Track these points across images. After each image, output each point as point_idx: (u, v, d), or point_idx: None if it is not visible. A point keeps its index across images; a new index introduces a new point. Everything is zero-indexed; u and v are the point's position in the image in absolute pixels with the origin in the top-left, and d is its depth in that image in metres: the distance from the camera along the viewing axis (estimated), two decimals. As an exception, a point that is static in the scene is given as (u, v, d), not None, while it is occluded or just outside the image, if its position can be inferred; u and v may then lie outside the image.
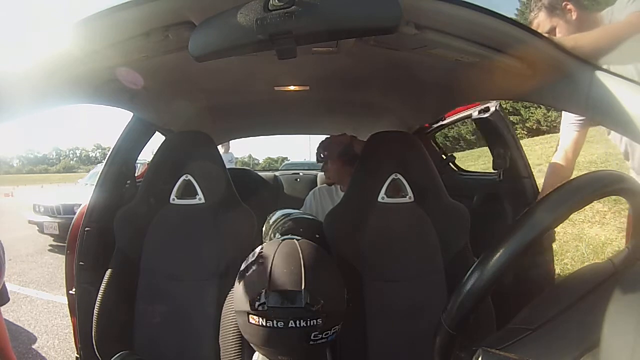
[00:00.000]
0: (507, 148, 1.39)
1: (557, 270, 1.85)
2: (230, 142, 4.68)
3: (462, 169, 2.02)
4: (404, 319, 0.98)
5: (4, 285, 1.60)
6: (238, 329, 0.73)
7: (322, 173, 2.91)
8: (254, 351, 0.75)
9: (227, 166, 1.23)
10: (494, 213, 1.41)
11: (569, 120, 1.36)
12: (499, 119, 1.43)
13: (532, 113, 13.72)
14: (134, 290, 1.02)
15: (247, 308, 0.59)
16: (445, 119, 1.77)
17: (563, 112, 1.36)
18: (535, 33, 0.61)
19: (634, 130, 0.55)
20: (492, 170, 1.52)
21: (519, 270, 1.06)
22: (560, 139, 1.39)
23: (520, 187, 1.37)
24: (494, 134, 1.44)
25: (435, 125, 1.87)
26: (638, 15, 1.02)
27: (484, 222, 1.12)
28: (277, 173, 3.02)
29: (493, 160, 1.44)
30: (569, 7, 1.30)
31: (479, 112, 1.44)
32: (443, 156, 1.96)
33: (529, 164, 1.39)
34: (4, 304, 1.64)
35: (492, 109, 1.41)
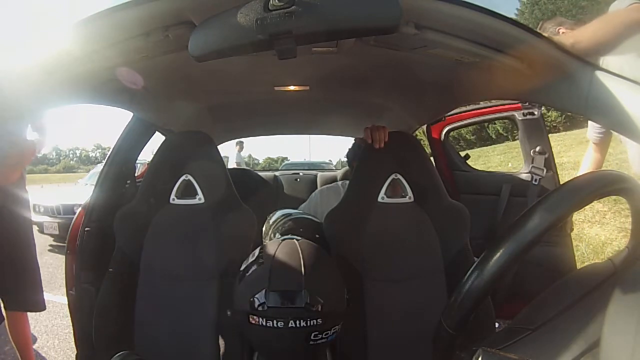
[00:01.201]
0: (546, 148, 1.63)
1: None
2: (229, 142, 4.78)
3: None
4: (404, 319, 0.98)
5: (40, 290, 1.60)
6: (238, 329, 0.73)
7: (323, 173, 2.91)
8: (254, 351, 0.75)
9: (239, 165, 1.23)
10: (525, 205, 1.54)
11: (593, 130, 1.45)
12: (542, 121, 1.66)
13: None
14: (134, 290, 1.02)
15: (247, 308, 0.59)
16: (474, 117, 1.96)
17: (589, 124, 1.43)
18: (535, 33, 0.61)
19: (634, 130, 0.55)
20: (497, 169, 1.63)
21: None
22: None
23: (550, 181, 1.60)
24: (537, 135, 1.65)
25: (460, 123, 1.95)
26: (637, 7, 1.02)
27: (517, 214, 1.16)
28: (277, 173, 3.02)
29: (533, 159, 1.64)
30: (562, 31, 1.33)
31: (525, 114, 1.66)
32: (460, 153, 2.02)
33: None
34: (36, 311, 1.63)
35: (537, 112, 1.64)
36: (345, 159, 1.88)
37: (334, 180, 2.45)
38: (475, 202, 1.68)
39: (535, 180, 1.60)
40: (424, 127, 1.89)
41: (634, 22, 0.90)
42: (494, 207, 1.70)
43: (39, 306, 1.60)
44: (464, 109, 1.86)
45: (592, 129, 1.48)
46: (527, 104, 1.66)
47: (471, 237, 1.67)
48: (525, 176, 1.68)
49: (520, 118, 1.68)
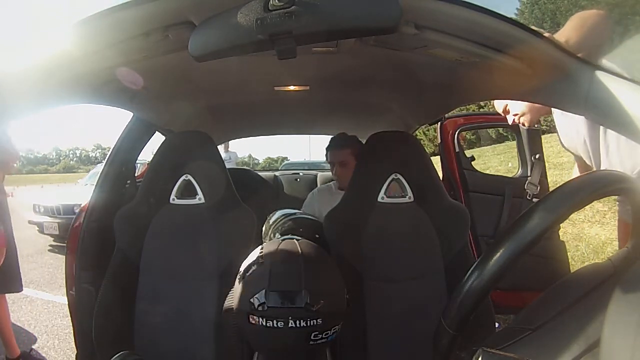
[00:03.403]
0: (542, 156, 1.81)
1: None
2: (231, 141, 4.72)
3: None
4: (404, 319, 0.98)
5: (16, 272, 1.81)
6: (238, 329, 0.73)
7: (323, 173, 2.91)
8: (254, 351, 0.75)
9: (228, 165, 1.24)
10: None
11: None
12: (541, 132, 1.90)
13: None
14: (134, 290, 1.02)
15: (247, 308, 0.59)
16: (486, 122, 2.20)
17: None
18: (535, 33, 0.61)
19: (634, 130, 0.55)
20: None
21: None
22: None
23: (543, 185, 1.77)
24: (537, 143, 1.84)
25: (472, 125, 2.12)
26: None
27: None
28: (277, 173, 3.02)
29: (533, 165, 1.83)
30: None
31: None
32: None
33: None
34: (14, 292, 1.83)
35: (537, 125, 1.79)
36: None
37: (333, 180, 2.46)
38: (484, 201, 1.82)
39: (530, 196, 1.78)
40: (425, 126, 1.91)
41: (592, 15, 0.92)
42: (502, 206, 1.83)
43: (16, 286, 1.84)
44: (477, 111, 2.02)
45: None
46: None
47: (480, 235, 1.74)
48: (523, 181, 1.85)
49: (524, 127, 1.84)
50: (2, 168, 1.79)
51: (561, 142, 1.36)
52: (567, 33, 0.91)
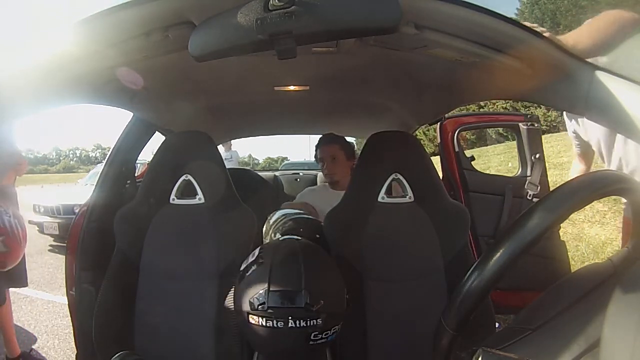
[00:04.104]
0: (542, 156, 1.83)
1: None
2: (232, 141, 4.70)
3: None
4: (404, 319, 0.98)
5: (24, 267, 1.84)
6: (238, 329, 0.73)
7: (322, 173, 2.92)
8: (254, 351, 0.75)
9: (229, 164, 1.24)
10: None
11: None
12: (541, 132, 1.91)
13: (531, 112, 13.82)
14: (134, 290, 1.02)
15: (247, 308, 0.59)
16: (486, 122, 2.26)
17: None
18: (535, 33, 0.61)
19: (634, 130, 0.55)
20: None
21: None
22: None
23: (544, 185, 1.79)
24: (537, 143, 1.86)
25: (472, 125, 2.15)
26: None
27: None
28: (277, 173, 3.03)
29: (533, 164, 1.85)
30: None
31: (528, 124, 1.87)
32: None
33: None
34: (20, 286, 1.89)
35: (537, 125, 1.88)
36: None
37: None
38: (484, 201, 1.82)
39: (530, 196, 1.79)
40: (425, 126, 1.91)
41: (624, 20, 0.90)
42: (502, 206, 1.83)
43: (22, 281, 1.90)
44: (476, 111, 2.05)
45: (573, 141, 1.50)
46: (529, 118, 1.89)
47: (480, 235, 1.73)
48: (523, 181, 1.85)
49: (524, 127, 1.89)
50: (15, 170, 1.84)
51: (573, 134, 1.35)
52: (577, 36, 0.90)
